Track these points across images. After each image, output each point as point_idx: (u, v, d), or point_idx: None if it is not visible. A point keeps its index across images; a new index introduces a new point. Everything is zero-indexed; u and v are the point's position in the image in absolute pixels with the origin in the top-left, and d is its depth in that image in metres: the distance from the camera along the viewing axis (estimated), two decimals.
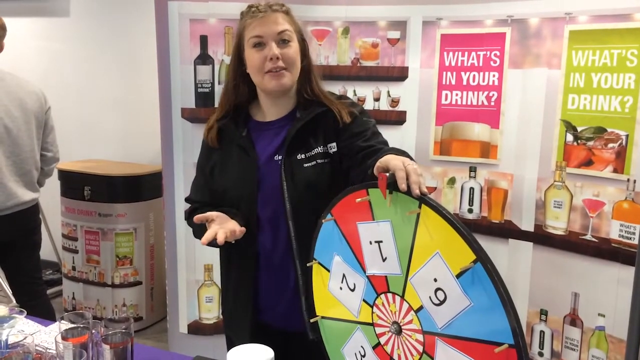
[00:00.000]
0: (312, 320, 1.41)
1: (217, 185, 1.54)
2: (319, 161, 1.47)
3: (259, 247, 1.51)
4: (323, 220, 1.34)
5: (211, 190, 1.57)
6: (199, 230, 1.49)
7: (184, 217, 1.67)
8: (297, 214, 1.45)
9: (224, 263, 1.64)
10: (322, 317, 1.40)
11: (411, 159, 1.22)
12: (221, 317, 2.65)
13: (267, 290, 1.54)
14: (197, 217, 1.41)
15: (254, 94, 1.55)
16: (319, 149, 1.47)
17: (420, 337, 1.15)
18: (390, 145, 1.45)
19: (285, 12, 1.47)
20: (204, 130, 1.58)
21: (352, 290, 1.29)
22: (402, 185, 1.09)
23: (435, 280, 1.09)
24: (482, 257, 1.01)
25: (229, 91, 1.53)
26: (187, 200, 1.66)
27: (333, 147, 1.48)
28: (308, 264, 1.40)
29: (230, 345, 1.37)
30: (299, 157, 1.46)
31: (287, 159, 1.46)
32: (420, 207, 1.10)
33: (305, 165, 1.46)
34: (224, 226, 1.39)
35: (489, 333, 1.02)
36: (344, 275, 1.31)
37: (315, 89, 1.51)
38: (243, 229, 1.41)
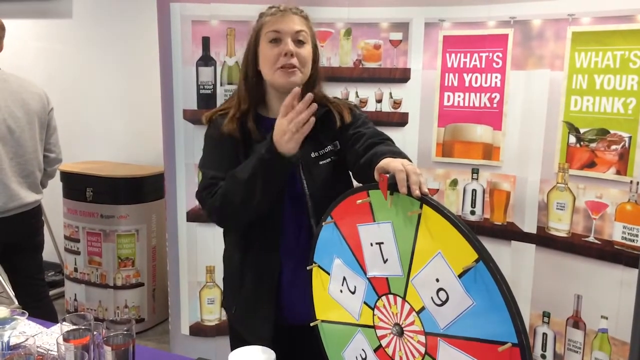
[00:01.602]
0: (312, 325, 1.41)
1: None
2: (332, 158, 1.52)
3: (281, 246, 1.52)
4: (323, 223, 1.34)
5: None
6: (244, 190, 1.39)
7: (208, 205, 1.48)
8: (319, 211, 1.44)
9: (239, 263, 1.59)
10: (322, 321, 1.40)
11: (409, 160, 1.23)
12: (223, 318, 2.66)
13: (289, 288, 1.54)
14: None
15: (263, 94, 1.57)
16: (330, 146, 1.52)
17: (422, 338, 1.14)
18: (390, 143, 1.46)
19: (304, 16, 1.51)
20: (229, 120, 1.51)
21: (353, 292, 1.29)
22: (403, 189, 1.10)
23: (437, 280, 1.08)
24: (484, 256, 1.01)
25: (249, 84, 1.52)
26: (207, 179, 1.50)
27: (337, 144, 1.53)
28: (308, 267, 1.40)
29: (240, 345, 1.36)
30: (312, 155, 1.51)
31: (303, 158, 1.49)
32: (421, 207, 1.09)
33: (321, 162, 1.51)
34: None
35: (491, 332, 1.02)
36: (344, 278, 1.31)
37: (318, 94, 1.54)
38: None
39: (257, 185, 1.38)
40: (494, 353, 1.00)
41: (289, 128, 1.32)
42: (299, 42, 1.47)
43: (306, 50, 1.48)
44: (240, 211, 1.45)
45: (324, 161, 1.51)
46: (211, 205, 1.47)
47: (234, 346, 1.56)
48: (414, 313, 1.15)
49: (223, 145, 1.52)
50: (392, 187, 1.13)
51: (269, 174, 1.38)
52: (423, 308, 1.13)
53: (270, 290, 1.54)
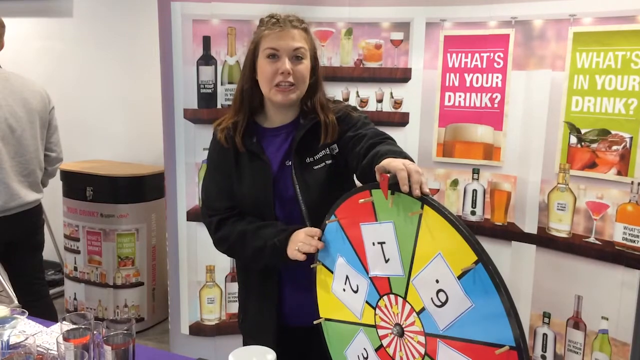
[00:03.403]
0: (315, 322, 1.41)
1: (235, 190, 1.56)
2: (327, 162, 1.52)
3: None
4: (327, 222, 1.34)
5: (233, 194, 1.56)
6: (259, 255, 1.49)
7: (211, 234, 1.59)
8: (312, 215, 1.48)
9: (241, 269, 1.66)
10: (326, 320, 1.40)
11: (410, 159, 1.23)
12: (223, 318, 2.66)
13: (290, 292, 1.55)
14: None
15: (260, 103, 1.57)
16: (325, 151, 1.53)
17: (422, 339, 1.14)
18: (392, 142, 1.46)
19: (304, 29, 1.50)
20: (218, 131, 1.56)
21: (355, 292, 1.29)
22: (404, 187, 1.10)
23: (437, 281, 1.08)
24: (483, 258, 1.01)
25: (245, 94, 1.54)
26: (208, 210, 1.59)
27: (335, 148, 1.53)
28: (312, 266, 1.40)
29: None
30: (307, 160, 1.51)
31: (297, 163, 1.50)
32: (422, 207, 1.09)
33: (315, 167, 1.51)
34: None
35: (490, 335, 1.02)
36: (347, 277, 1.31)
37: (315, 104, 1.54)
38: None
39: (261, 259, 1.49)
40: (492, 356, 1.00)
41: (299, 244, 1.38)
42: (297, 58, 1.47)
43: (304, 66, 1.48)
44: (244, 260, 1.59)
45: (318, 166, 1.51)
46: (216, 244, 1.59)
47: None
48: (414, 313, 1.15)
49: (220, 167, 1.58)
50: (393, 186, 1.13)
51: (273, 260, 1.47)
52: (423, 309, 1.12)
53: (271, 296, 1.55)
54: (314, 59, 1.53)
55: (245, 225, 1.52)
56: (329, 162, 1.52)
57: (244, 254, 1.53)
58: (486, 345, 1.02)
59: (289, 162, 1.52)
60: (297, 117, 1.56)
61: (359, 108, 1.65)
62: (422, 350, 1.14)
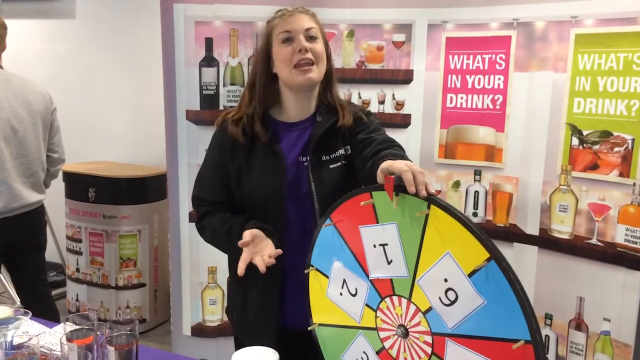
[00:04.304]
0: (309, 329, 1.40)
1: (243, 185, 1.53)
2: (343, 162, 1.52)
3: (286, 247, 1.48)
4: (322, 226, 1.33)
5: (230, 189, 1.55)
6: (224, 241, 1.52)
7: (195, 222, 1.61)
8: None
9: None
10: (320, 325, 1.39)
11: (410, 161, 1.23)
12: (225, 319, 2.66)
13: (294, 291, 1.52)
14: (242, 243, 1.39)
15: (276, 97, 1.57)
16: (342, 150, 1.53)
17: (428, 338, 1.14)
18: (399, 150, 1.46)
19: (311, 15, 1.53)
20: (228, 125, 1.54)
21: (354, 295, 1.28)
22: (412, 188, 1.10)
23: (446, 280, 1.08)
24: (496, 255, 1.01)
25: (260, 89, 1.53)
26: (198, 200, 1.62)
27: (348, 149, 1.54)
28: (305, 271, 1.39)
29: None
30: (323, 158, 1.51)
31: (313, 160, 1.50)
32: (429, 207, 1.09)
33: (331, 166, 1.51)
34: (259, 250, 1.40)
35: (503, 330, 1.02)
36: (344, 281, 1.30)
37: (334, 95, 1.56)
38: (278, 251, 1.40)
39: (222, 243, 1.55)
40: (505, 351, 1.00)
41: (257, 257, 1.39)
42: (311, 38, 1.48)
43: (319, 45, 1.49)
44: (223, 250, 1.63)
45: (335, 165, 1.51)
46: (200, 232, 1.62)
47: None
48: (419, 314, 1.15)
49: (216, 164, 1.57)
50: (398, 188, 1.13)
51: (229, 244, 1.50)
52: (430, 308, 1.12)
53: (274, 295, 1.53)
54: (326, 44, 1.54)
55: (224, 215, 1.54)
56: (344, 162, 1.52)
57: (218, 241, 1.57)
58: (499, 341, 1.02)
59: (305, 158, 1.51)
60: (315, 112, 1.55)
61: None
62: (429, 350, 1.14)
